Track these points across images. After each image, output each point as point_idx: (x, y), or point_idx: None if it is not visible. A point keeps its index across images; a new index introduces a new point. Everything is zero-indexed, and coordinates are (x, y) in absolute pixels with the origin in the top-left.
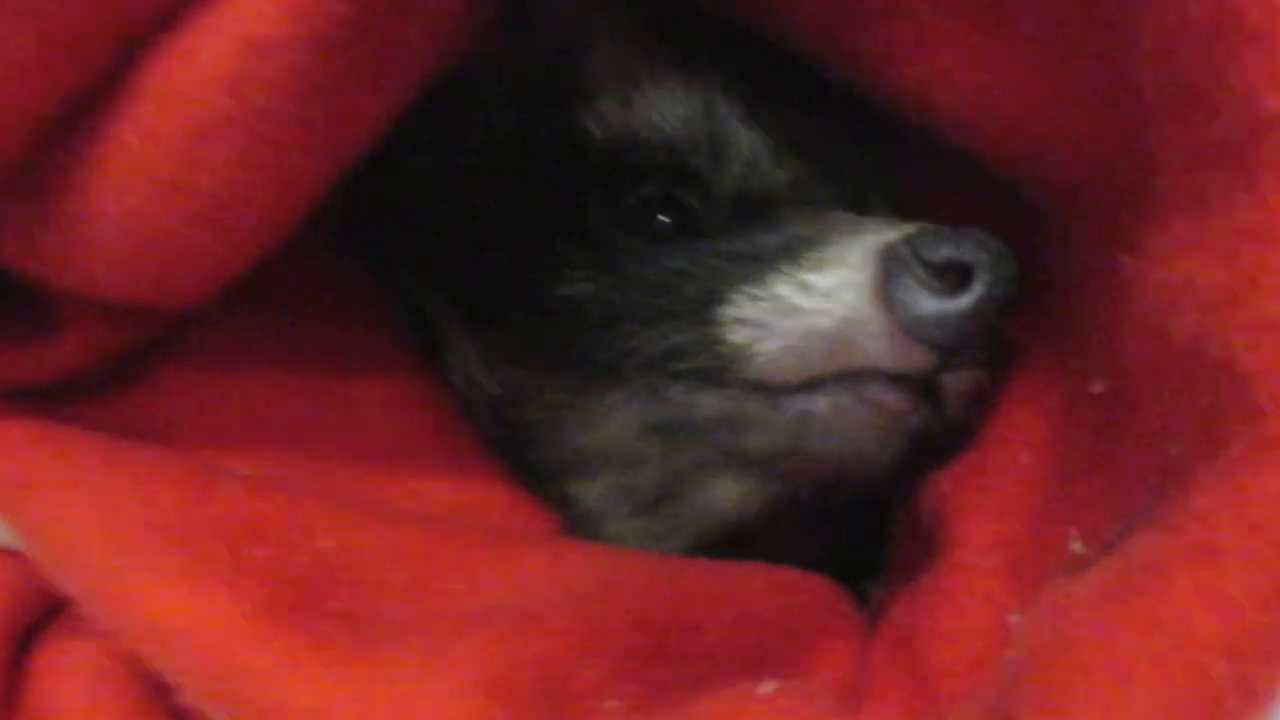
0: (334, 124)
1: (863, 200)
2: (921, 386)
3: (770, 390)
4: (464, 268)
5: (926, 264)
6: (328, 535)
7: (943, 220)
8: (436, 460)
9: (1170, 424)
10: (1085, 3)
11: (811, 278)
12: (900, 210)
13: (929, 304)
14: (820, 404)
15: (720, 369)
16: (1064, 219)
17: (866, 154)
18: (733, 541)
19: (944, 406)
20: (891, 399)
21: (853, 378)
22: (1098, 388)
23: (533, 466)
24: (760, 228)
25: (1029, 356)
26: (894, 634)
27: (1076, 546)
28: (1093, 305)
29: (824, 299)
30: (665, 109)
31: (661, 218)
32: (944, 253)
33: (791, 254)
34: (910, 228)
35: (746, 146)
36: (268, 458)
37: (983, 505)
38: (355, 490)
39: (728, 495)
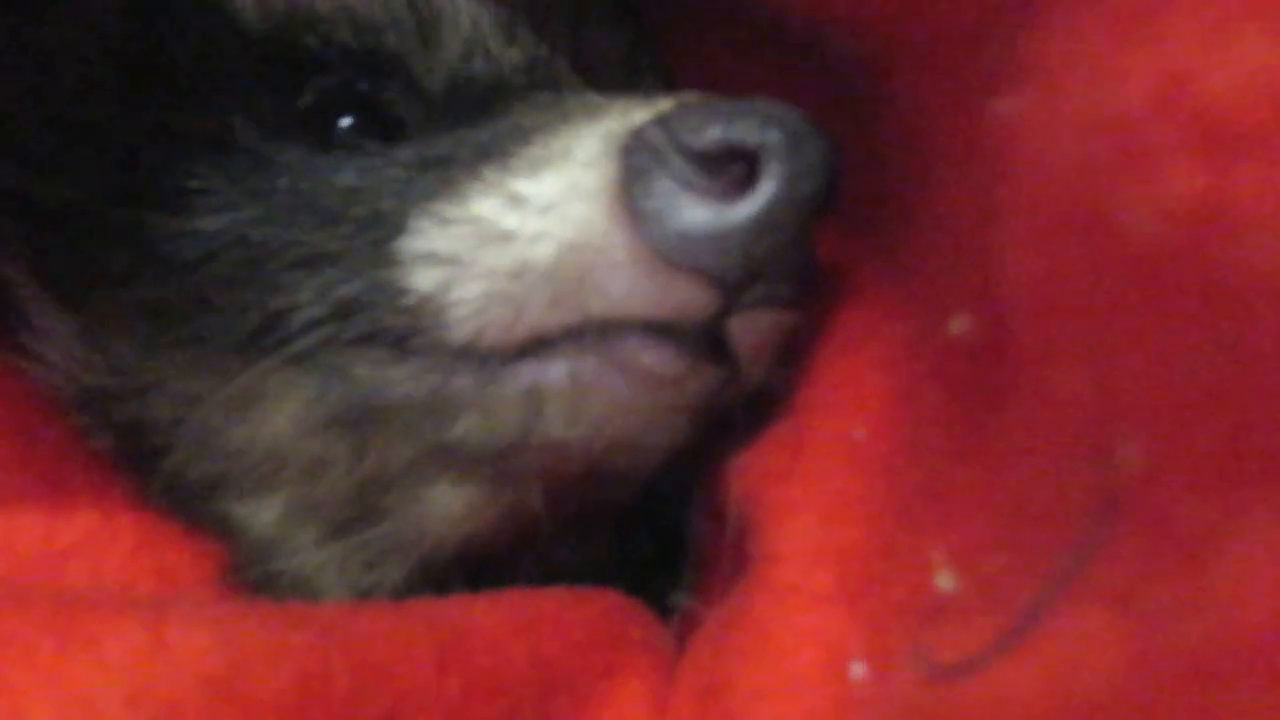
0: None
1: (632, 88)
2: (700, 338)
3: (482, 357)
4: (47, 206)
5: (689, 153)
6: None
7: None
8: (15, 487)
9: (1096, 378)
10: None
11: (523, 186)
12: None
13: (696, 213)
14: (554, 373)
15: (410, 329)
16: (893, 76)
17: (634, 28)
18: (473, 564)
19: (736, 362)
20: (656, 359)
21: (598, 332)
22: (960, 326)
23: (171, 483)
24: (474, 125)
25: (854, 285)
26: (699, 681)
27: (943, 580)
28: (950, 197)
29: (541, 216)
30: None
31: (344, 120)
32: (713, 134)
33: (499, 152)
34: (665, 103)
35: (467, 18)
36: None
37: (803, 502)
38: None
39: (446, 507)
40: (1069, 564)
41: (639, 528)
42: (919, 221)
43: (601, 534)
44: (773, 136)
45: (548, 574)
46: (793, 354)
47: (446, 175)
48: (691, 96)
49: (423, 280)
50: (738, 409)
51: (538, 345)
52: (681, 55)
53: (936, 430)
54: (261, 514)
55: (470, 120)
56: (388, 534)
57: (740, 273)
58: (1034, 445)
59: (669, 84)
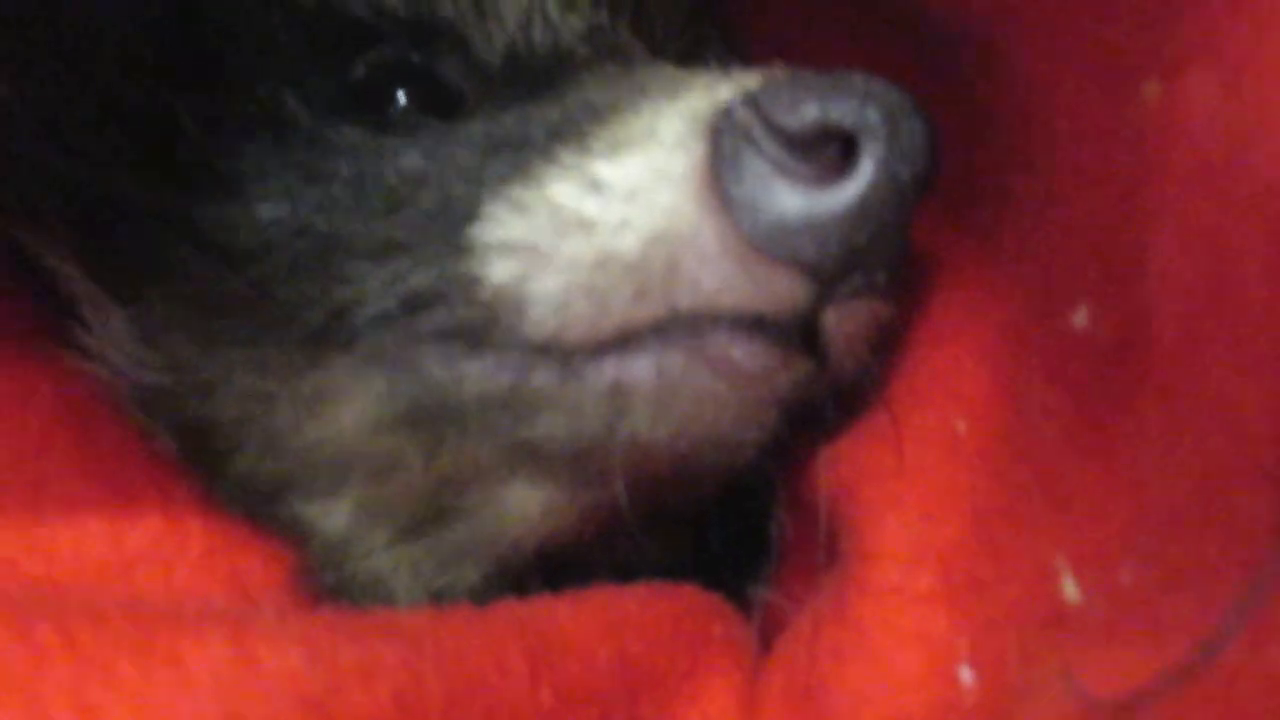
0: None
1: (694, 57)
2: (792, 329)
3: (563, 353)
4: (94, 194)
5: (782, 134)
6: None
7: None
8: (80, 492)
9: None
10: None
11: (604, 169)
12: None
13: (790, 200)
14: (640, 369)
15: (485, 323)
16: (1005, 50)
17: (700, 6)
18: (550, 561)
19: (829, 356)
20: (746, 353)
21: (686, 325)
22: (1082, 318)
23: (240, 486)
24: (541, 99)
25: (948, 269)
26: (792, 682)
27: (1070, 590)
28: (1074, 182)
29: (625, 203)
30: None
31: (400, 95)
32: (809, 113)
33: (575, 131)
34: (752, 78)
35: None
36: None
37: (902, 498)
38: None
39: (523, 507)
40: (1244, 594)
41: (716, 519)
42: (1023, 203)
43: (681, 528)
44: (872, 116)
45: (626, 568)
46: (885, 342)
47: (519, 157)
48: (779, 71)
49: (498, 271)
50: (827, 400)
51: (622, 340)
52: (747, 21)
53: (1048, 426)
54: (332, 515)
55: (532, 94)
56: (463, 535)
57: (837, 263)
58: (1184, 454)
59: (732, 47)
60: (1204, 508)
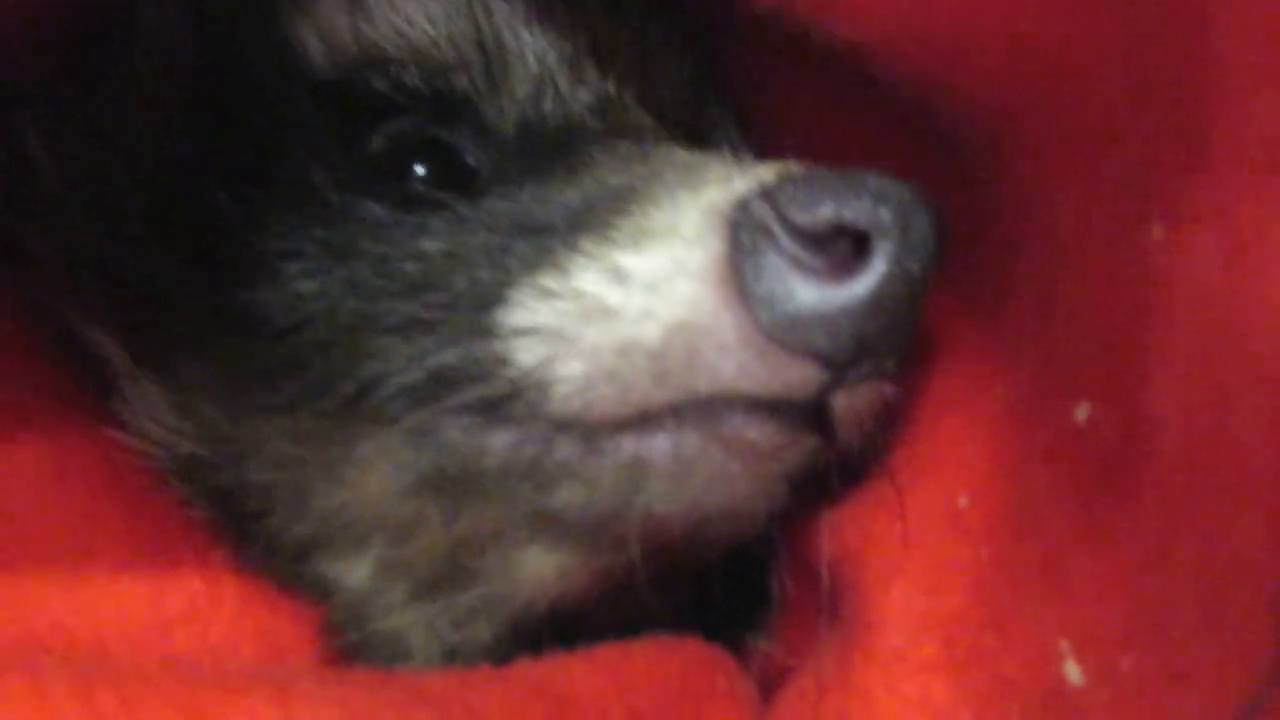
0: None
1: (699, 130)
2: (803, 411)
3: (585, 430)
4: (133, 273)
5: (797, 231)
6: None
7: (821, 151)
8: (123, 556)
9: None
10: None
11: (627, 260)
12: (755, 146)
13: (806, 294)
14: (657, 446)
15: (510, 399)
16: (1015, 159)
17: (701, 63)
18: (560, 617)
19: (836, 431)
20: (760, 435)
21: (703, 407)
22: (1084, 413)
23: (268, 546)
24: (555, 177)
25: (951, 347)
26: None
27: (1073, 672)
28: (1079, 291)
29: (647, 293)
30: (414, 8)
31: (418, 168)
32: (824, 213)
33: (597, 221)
34: (768, 171)
35: (534, 57)
36: None
37: (906, 567)
38: None
39: (538, 570)
40: (1245, 713)
41: (718, 571)
42: (1024, 291)
43: (686, 584)
44: (884, 216)
45: (631, 622)
46: (889, 414)
47: (543, 244)
48: (793, 166)
49: (525, 354)
50: (831, 468)
51: (641, 419)
52: (759, 95)
53: (1050, 510)
54: (354, 573)
55: (545, 166)
56: (479, 594)
57: (849, 353)
58: (1184, 561)
59: (734, 114)
60: (1204, 617)
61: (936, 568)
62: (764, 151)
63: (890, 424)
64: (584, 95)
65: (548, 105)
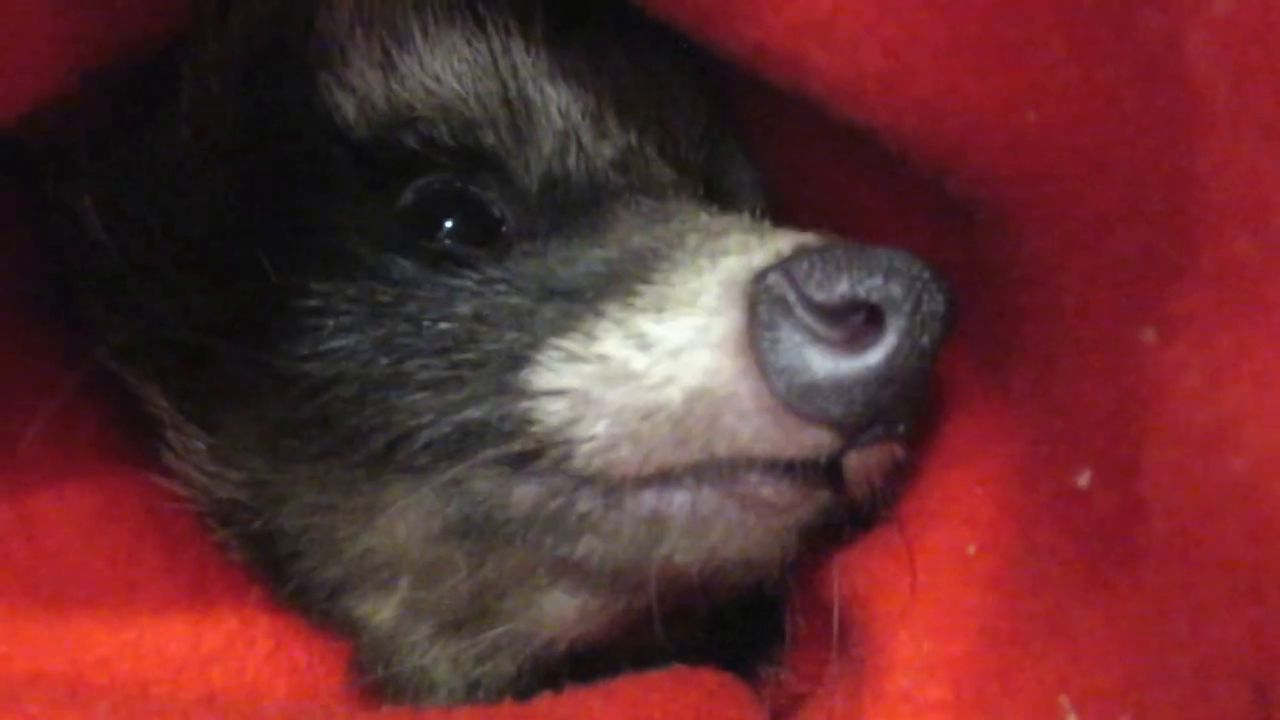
0: None
1: (717, 183)
2: (818, 470)
3: (608, 484)
4: (173, 328)
5: (814, 305)
6: None
7: (834, 204)
8: (164, 595)
9: (1250, 620)
10: None
11: (650, 327)
12: (769, 196)
13: (822, 365)
14: (676, 502)
15: (535, 454)
16: (1024, 234)
17: (716, 114)
18: (578, 653)
19: (848, 488)
20: (775, 492)
21: (722, 467)
22: (1085, 480)
23: (301, 587)
24: (580, 234)
25: (959, 400)
26: None
27: None
28: (1080, 367)
29: (670, 360)
30: (442, 66)
31: (447, 222)
32: (839, 289)
33: (621, 286)
34: (785, 241)
35: (558, 112)
36: None
37: (914, 612)
38: (40, 656)
39: (559, 613)
40: None
41: (731, 607)
42: (1031, 353)
43: (701, 621)
44: (896, 291)
45: (647, 655)
46: (899, 467)
47: (569, 308)
48: (809, 238)
49: (551, 414)
50: (842, 517)
51: (662, 476)
52: (774, 151)
53: (1055, 567)
54: (380, 612)
55: (569, 221)
56: (501, 633)
57: (862, 419)
58: (1179, 629)
59: (750, 180)
60: (1194, 688)
61: (944, 613)
62: (777, 202)
63: (899, 476)
64: (607, 150)
65: (571, 160)
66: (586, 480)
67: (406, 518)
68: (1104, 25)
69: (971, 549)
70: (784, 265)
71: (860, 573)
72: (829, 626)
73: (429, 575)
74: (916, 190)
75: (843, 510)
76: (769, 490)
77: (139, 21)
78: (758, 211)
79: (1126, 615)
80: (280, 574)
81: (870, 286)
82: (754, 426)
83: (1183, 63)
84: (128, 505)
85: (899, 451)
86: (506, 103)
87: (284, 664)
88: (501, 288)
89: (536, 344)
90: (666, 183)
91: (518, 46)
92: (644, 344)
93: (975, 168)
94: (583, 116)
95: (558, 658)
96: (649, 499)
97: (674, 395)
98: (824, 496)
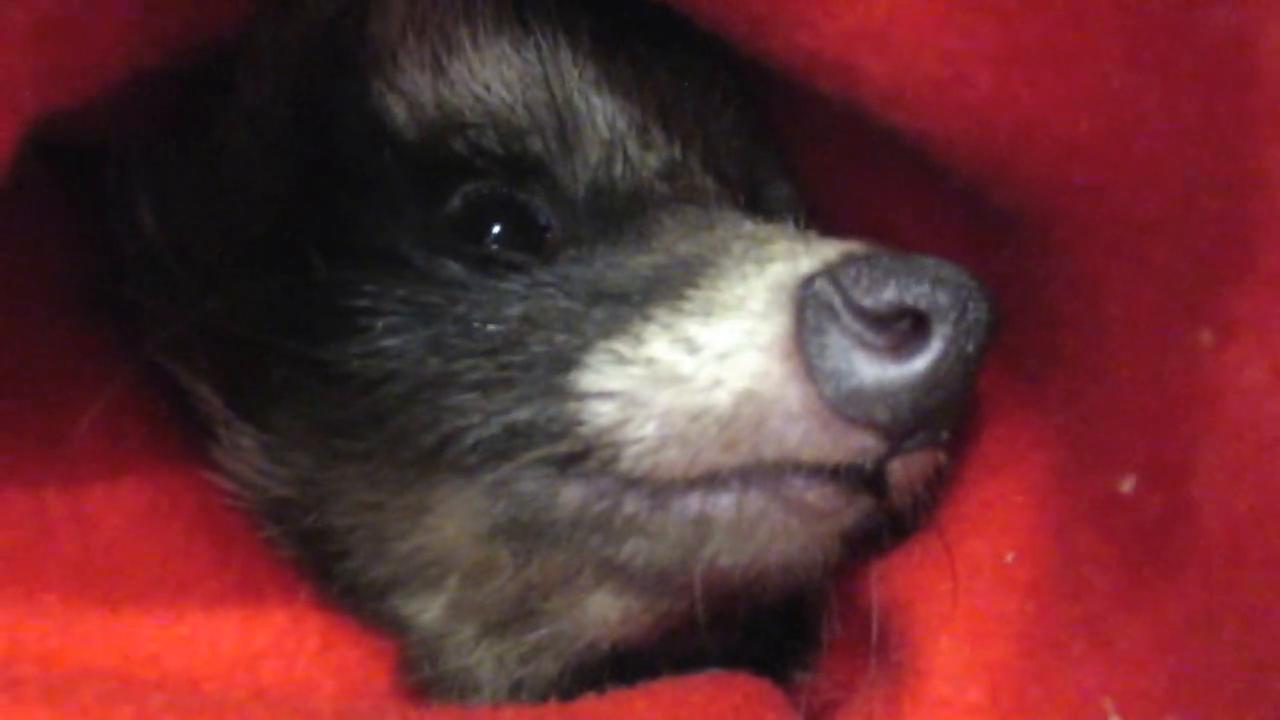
0: None
1: (758, 191)
2: (862, 475)
3: (655, 486)
4: (226, 326)
5: (860, 311)
6: None
7: (872, 216)
8: (215, 591)
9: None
10: None
11: (697, 330)
12: (807, 204)
13: (869, 370)
14: (722, 505)
15: (582, 456)
16: (1067, 247)
17: (758, 124)
18: (620, 654)
19: (891, 494)
20: (819, 497)
21: (767, 470)
22: (1129, 486)
23: (349, 585)
24: (625, 241)
25: (998, 409)
26: None
27: None
28: (1118, 369)
29: (718, 363)
30: (492, 74)
31: (495, 228)
32: (886, 296)
33: (669, 291)
34: (831, 249)
35: (604, 121)
36: None
37: (953, 617)
38: (92, 651)
39: (604, 614)
40: None
41: (769, 612)
42: (1070, 363)
43: (741, 625)
44: (942, 299)
45: (687, 657)
46: (939, 475)
47: (617, 311)
48: (856, 245)
49: (599, 416)
50: (882, 523)
51: (708, 479)
52: (814, 158)
53: (1096, 573)
54: (428, 612)
55: (615, 228)
56: (545, 634)
57: (907, 424)
58: (1226, 631)
59: (791, 190)
60: (1248, 688)
61: (983, 618)
62: (817, 211)
63: (939, 483)
64: (652, 160)
65: (617, 169)
66: (633, 482)
67: (454, 517)
68: (1165, 31)
69: (1010, 556)
70: (831, 271)
71: (900, 579)
72: (865, 632)
73: (475, 575)
74: (955, 203)
75: (882, 517)
76: (814, 495)
77: (206, 22)
78: (800, 222)
79: (1170, 618)
80: (329, 572)
81: (918, 294)
82: (801, 430)
83: (1254, 62)
84: (180, 501)
85: (941, 458)
86: (554, 112)
87: (333, 662)
88: (550, 291)
89: (585, 347)
90: (710, 193)
91: (565, 56)
92: (692, 347)
93: (1024, 176)
94: (629, 127)
95: (600, 659)
96: (695, 501)
97: (722, 398)
98: (867, 504)
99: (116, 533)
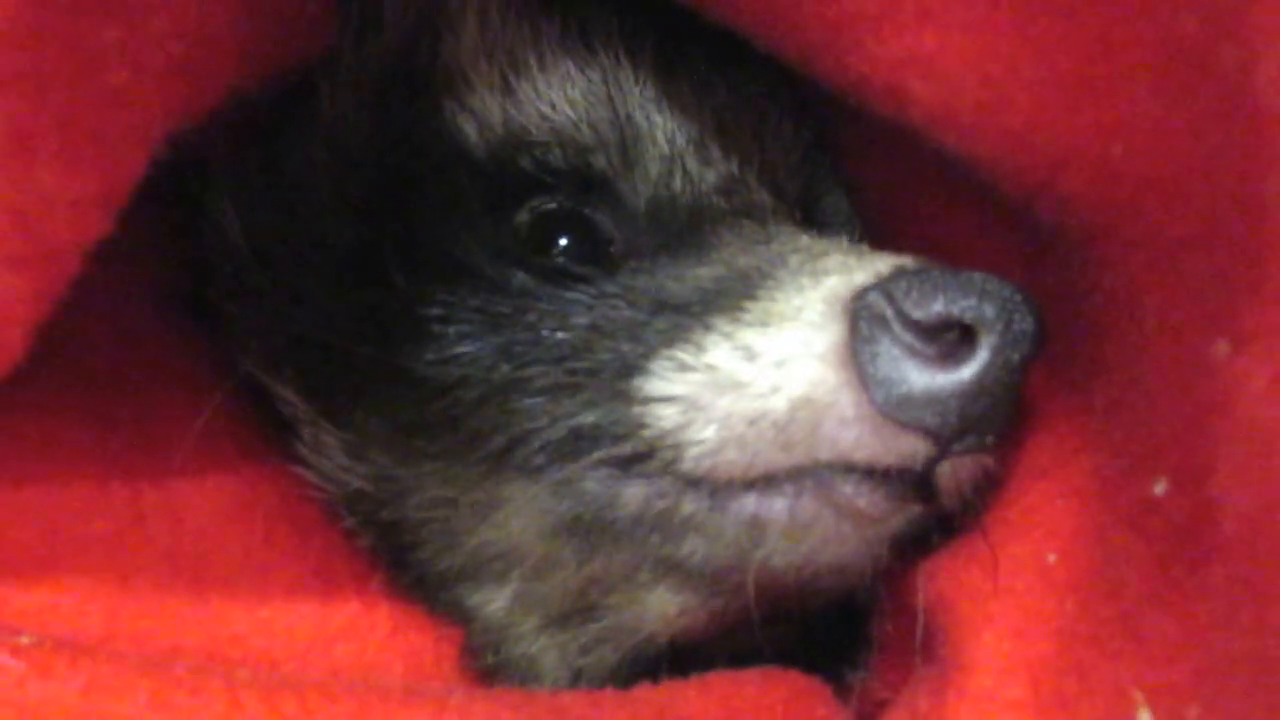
0: None
1: (813, 205)
2: (911, 480)
3: (713, 487)
4: (309, 332)
5: (911, 322)
6: None
7: (924, 229)
8: (294, 578)
9: None
10: None
11: (756, 339)
12: (861, 220)
13: (918, 378)
14: (776, 507)
15: (646, 457)
16: (1103, 256)
17: (813, 145)
18: (676, 647)
19: (938, 498)
20: (870, 501)
21: (820, 473)
22: (1161, 489)
23: (420, 575)
24: (685, 254)
25: (1043, 415)
26: None
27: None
28: (1157, 381)
29: (775, 370)
30: (557, 94)
31: (562, 240)
32: (935, 308)
33: (729, 302)
34: (883, 263)
35: (664, 137)
36: (66, 590)
37: (998, 616)
38: (182, 631)
39: (661, 609)
40: None
41: (821, 612)
42: (1113, 371)
43: (793, 623)
44: (989, 311)
45: (739, 653)
46: (985, 479)
47: (679, 321)
48: (907, 259)
49: (660, 419)
50: (930, 527)
51: (764, 481)
52: (867, 174)
53: (1131, 572)
54: (492, 602)
55: (676, 242)
56: (605, 626)
57: (955, 430)
58: (1246, 628)
59: (844, 204)
60: (1259, 677)
61: (1025, 617)
62: (870, 223)
63: (987, 486)
64: (710, 176)
65: (677, 184)
66: (693, 482)
67: (521, 514)
68: (1188, 64)
69: (1052, 558)
70: (883, 285)
71: (945, 578)
72: (914, 631)
73: (540, 569)
74: (1003, 218)
75: (931, 521)
76: (864, 501)
77: (295, 53)
78: (854, 236)
79: (1195, 613)
80: (401, 562)
81: (965, 306)
82: (854, 434)
83: (1255, 94)
84: (264, 494)
85: (989, 463)
86: (616, 129)
87: (401, 646)
88: (615, 301)
89: (649, 354)
90: (766, 207)
91: (627, 76)
92: (750, 355)
93: (1063, 195)
94: (688, 143)
95: (657, 652)
96: (750, 503)
97: (779, 403)
98: (915, 510)
99: (204, 523)
